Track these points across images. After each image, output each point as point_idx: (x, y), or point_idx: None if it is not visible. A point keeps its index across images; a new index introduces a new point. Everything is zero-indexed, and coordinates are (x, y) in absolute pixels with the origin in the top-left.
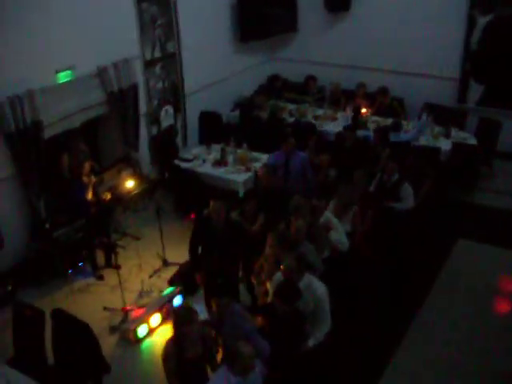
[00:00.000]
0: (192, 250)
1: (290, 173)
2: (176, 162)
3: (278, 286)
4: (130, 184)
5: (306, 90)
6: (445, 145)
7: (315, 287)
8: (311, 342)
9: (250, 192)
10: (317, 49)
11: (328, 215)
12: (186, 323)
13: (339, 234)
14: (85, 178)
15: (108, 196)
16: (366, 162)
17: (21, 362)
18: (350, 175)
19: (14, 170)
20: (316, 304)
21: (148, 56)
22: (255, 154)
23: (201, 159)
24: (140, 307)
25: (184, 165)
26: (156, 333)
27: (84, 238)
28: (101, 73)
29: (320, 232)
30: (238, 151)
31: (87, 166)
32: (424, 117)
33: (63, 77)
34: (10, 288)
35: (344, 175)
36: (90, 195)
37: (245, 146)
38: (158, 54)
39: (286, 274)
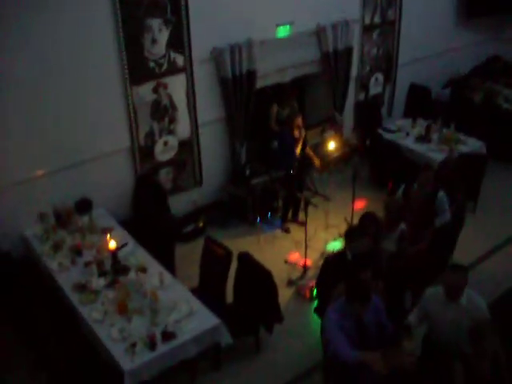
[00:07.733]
0: None
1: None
2: (379, 130)
3: None
4: (331, 146)
5: None
6: None
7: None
8: None
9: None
10: None
11: None
12: None
13: None
14: (295, 132)
15: (311, 153)
16: None
17: (203, 293)
18: None
19: (224, 113)
20: None
21: (367, 21)
22: (461, 137)
23: (404, 132)
24: None
25: (387, 135)
26: None
27: (278, 190)
28: (319, 32)
29: None
30: (444, 130)
31: (300, 119)
32: None
33: (282, 31)
34: (201, 224)
35: None
36: (298, 149)
37: (452, 126)
38: (377, 20)
39: None
